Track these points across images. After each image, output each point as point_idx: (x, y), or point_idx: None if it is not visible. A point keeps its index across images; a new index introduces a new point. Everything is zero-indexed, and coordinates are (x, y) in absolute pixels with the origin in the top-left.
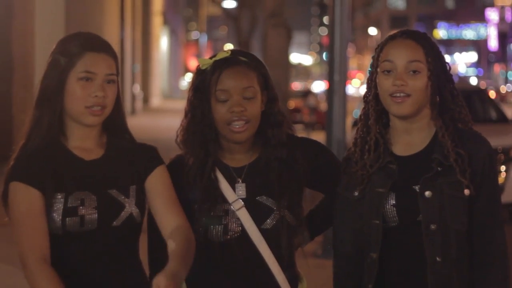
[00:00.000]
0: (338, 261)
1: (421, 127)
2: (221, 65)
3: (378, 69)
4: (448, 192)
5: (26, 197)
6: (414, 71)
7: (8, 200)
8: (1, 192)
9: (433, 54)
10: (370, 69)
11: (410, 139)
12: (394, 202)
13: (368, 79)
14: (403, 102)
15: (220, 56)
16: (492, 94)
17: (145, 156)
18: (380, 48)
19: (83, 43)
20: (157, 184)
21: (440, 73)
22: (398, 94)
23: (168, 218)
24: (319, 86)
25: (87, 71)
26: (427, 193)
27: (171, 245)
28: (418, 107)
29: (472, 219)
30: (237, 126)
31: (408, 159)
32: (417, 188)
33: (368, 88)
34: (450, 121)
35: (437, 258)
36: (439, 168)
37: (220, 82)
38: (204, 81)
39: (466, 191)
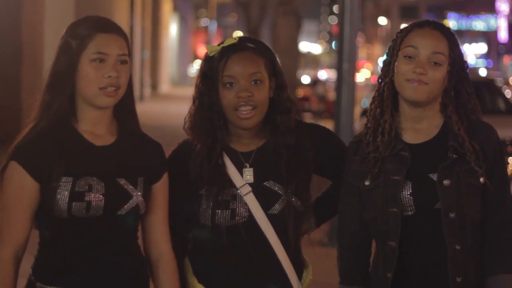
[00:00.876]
0: (345, 253)
1: (431, 116)
2: (228, 51)
3: (400, 53)
4: (465, 180)
5: (19, 184)
6: (436, 63)
7: (3, 177)
8: (1, 167)
9: (456, 50)
10: (387, 52)
11: (419, 127)
12: (410, 191)
13: (385, 62)
14: (419, 86)
15: (228, 42)
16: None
17: (156, 155)
18: (405, 33)
19: (93, 25)
20: (160, 195)
21: (460, 70)
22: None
23: (160, 240)
24: (323, 75)
25: (99, 52)
26: (445, 181)
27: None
28: (432, 97)
29: (485, 206)
30: (245, 112)
31: (419, 147)
32: (433, 176)
33: (385, 71)
34: (465, 116)
35: (457, 246)
36: (455, 156)
37: (227, 67)
38: (212, 68)
39: (482, 179)
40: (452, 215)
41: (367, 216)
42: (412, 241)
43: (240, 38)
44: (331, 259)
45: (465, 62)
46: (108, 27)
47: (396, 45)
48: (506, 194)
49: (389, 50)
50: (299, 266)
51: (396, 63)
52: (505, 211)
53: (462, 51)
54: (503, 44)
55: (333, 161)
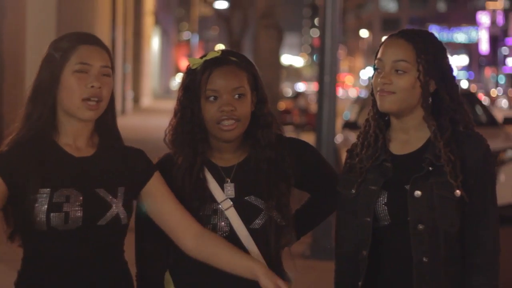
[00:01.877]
0: (338, 259)
1: (416, 127)
2: (211, 65)
3: (374, 67)
4: (438, 192)
5: None
6: (398, 71)
7: None
8: None
9: (428, 54)
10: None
11: (407, 137)
12: (385, 201)
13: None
14: (387, 96)
15: (210, 55)
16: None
17: (140, 160)
18: (379, 46)
19: (76, 38)
20: (161, 187)
21: (435, 73)
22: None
23: (187, 220)
24: (301, 87)
25: (82, 62)
26: (416, 192)
27: (214, 243)
28: (405, 106)
29: (464, 220)
30: (227, 124)
31: (402, 158)
32: (407, 187)
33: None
34: (450, 123)
35: (424, 259)
36: (430, 168)
37: (210, 81)
38: (194, 81)
39: (457, 192)
40: (421, 227)
41: (354, 224)
42: (386, 251)
43: (222, 51)
44: (313, 271)
45: (446, 64)
46: (91, 40)
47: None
48: (487, 209)
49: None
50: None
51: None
52: (485, 226)
53: (442, 53)
54: (484, 56)
55: (312, 175)
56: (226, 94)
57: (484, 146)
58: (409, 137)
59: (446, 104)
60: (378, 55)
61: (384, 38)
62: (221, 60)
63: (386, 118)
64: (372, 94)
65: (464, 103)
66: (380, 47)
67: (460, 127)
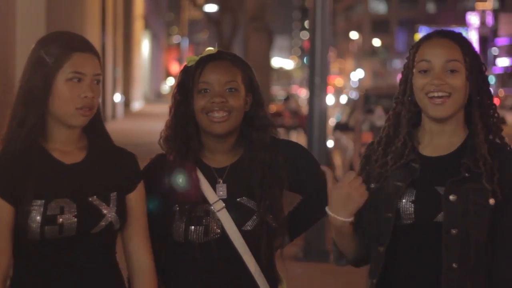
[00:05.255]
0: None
1: (452, 131)
2: (205, 60)
3: (414, 70)
4: (473, 198)
5: None
6: (452, 71)
7: None
8: None
9: (471, 54)
10: (403, 70)
11: (439, 141)
12: (413, 198)
13: (401, 81)
14: (444, 103)
15: (206, 53)
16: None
17: (129, 166)
18: (416, 48)
19: (68, 43)
20: (137, 206)
21: (478, 74)
22: (436, 94)
23: (139, 253)
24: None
25: (76, 71)
26: (451, 196)
27: None
28: (458, 108)
29: (496, 231)
30: (217, 116)
31: (433, 160)
32: (440, 189)
33: (403, 90)
34: (490, 129)
35: (454, 265)
36: (466, 174)
37: (203, 74)
38: (188, 77)
39: (491, 200)
40: (454, 232)
41: (367, 217)
42: (406, 251)
43: (218, 50)
44: (306, 273)
45: (482, 65)
46: (83, 46)
47: (409, 62)
48: None
49: (404, 69)
50: (273, 282)
51: (413, 80)
52: None
53: (478, 54)
54: None
55: (304, 177)
56: (218, 87)
57: None
58: (441, 140)
59: (487, 105)
60: (423, 57)
61: (375, 39)
62: (216, 55)
63: (413, 121)
64: (405, 100)
65: (495, 105)
66: (418, 48)
67: (490, 135)
